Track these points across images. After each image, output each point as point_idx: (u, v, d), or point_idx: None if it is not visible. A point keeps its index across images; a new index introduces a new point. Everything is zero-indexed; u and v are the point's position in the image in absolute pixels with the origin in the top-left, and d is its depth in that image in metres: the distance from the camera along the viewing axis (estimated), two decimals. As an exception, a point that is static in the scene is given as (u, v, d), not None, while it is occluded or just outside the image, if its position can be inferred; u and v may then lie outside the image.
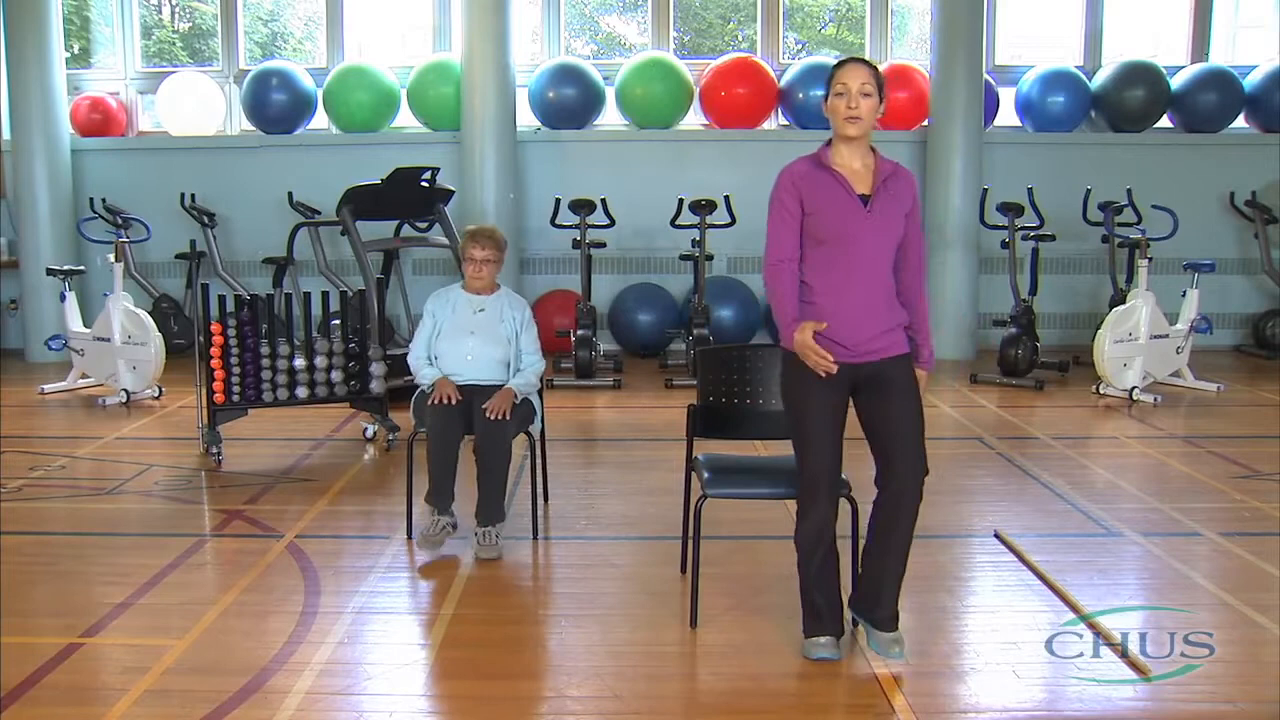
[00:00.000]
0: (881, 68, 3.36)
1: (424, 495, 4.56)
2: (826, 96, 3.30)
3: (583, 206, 8.43)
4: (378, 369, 6.11)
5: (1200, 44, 10.18)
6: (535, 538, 4.65)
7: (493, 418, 4.42)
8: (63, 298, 8.01)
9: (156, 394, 7.59)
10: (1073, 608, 3.83)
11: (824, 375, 3.25)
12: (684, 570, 4.11)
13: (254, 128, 9.91)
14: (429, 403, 4.48)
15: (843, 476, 3.42)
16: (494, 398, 4.49)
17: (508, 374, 4.70)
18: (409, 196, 7.31)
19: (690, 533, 3.86)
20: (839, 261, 3.28)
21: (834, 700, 3.29)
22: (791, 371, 3.38)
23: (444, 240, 7.26)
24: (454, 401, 4.46)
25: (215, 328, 5.78)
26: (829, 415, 3.33)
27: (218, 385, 5.80)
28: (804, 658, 3.43)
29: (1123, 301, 7.90)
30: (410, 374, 4.82)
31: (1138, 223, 8.55)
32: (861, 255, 3.28)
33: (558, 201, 8.52)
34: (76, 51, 10.42)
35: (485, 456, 4.45)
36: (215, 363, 5.79)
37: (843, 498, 3.45)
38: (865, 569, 3.47)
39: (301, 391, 5.97)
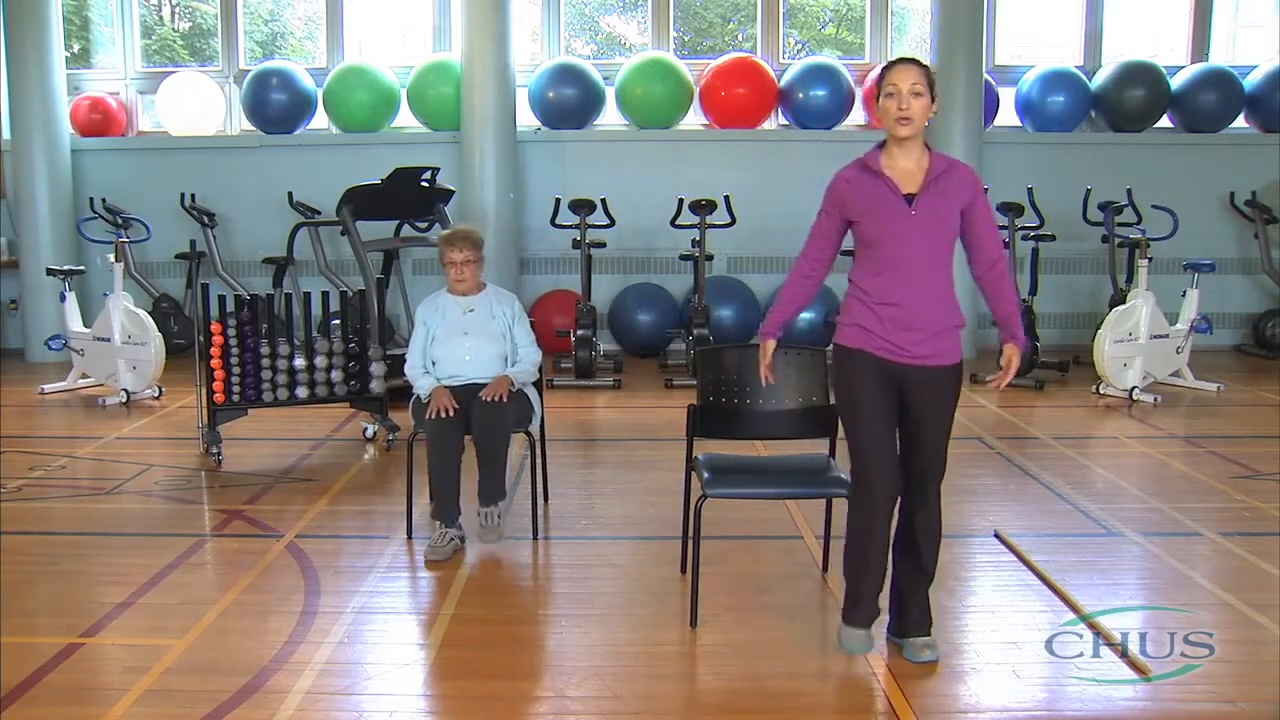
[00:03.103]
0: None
1: (429, 510, 4.55)
2: (878, 98, 3.31)
3: (583, 206, 8.43)
4: (378, 369, 6.11)
5: (1200, 44, 10.17)
6: (535, 538, 4.65)
7: (489, 399, 4.41)
8: (63, 298, 8.02)
9: (156, 394, 7.58)
10: (1073, 608, 3.83)
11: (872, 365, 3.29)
12: (684, 570, 4.11)
13: (254, 128, 9.90)
14: (427, 416, 4.45)
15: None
16: (491, 383, 4.49)
17: (506, 369, 4.69)
18: (409, 196, 7.31)
19: (690, 533, 3.86)
20: (887, 262, 3.28)
21: (834, 700, 3.29)
22: (843, 366, 3.39)
23: (444, 240, 7.26)
24: (452, 413, 4.44)
25: (215, 328, 5.78)
26: (880, 409, 3.33)
27: (218, 385, 5.79)
28: (839, 649, 3.44)
29: (1123, 301, 7.90)
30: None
31: (1138, 223, 8.54)
32: (908, 255, 3.27)
33: (558, 201, 8.52)
34: (76, 51, 10.42)
35: (484, 441, 4.44)
36: (215, 363, 5.79)
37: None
38: (893, 576, 3.49)
39: (301, 391, 5.97)
